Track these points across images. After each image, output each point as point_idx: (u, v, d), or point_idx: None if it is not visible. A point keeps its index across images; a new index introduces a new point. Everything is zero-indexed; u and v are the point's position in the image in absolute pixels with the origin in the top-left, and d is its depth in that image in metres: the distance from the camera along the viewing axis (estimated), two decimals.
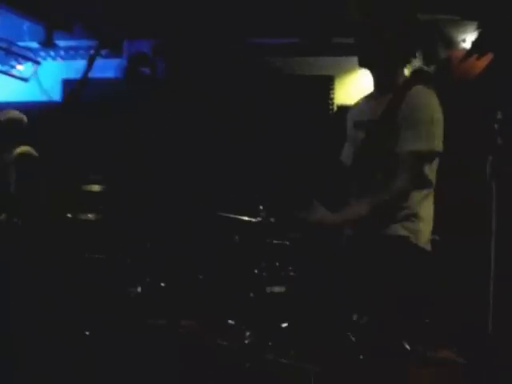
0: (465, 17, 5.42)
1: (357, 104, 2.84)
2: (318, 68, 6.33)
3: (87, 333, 4.37)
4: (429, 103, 2.50)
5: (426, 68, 5.80)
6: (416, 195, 2.52)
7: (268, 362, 2.99)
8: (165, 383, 3.15)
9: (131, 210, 5.30)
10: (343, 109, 6.35)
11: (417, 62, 5.83)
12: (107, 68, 6.15)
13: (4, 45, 6.54)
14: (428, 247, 2.59)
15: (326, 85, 6.33)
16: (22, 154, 4.65)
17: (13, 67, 6.74)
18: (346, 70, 6.24)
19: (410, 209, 2.51)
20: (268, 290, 3.64)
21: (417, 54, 5.64)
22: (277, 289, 3.62)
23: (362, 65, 2.65)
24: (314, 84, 6.32)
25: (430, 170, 2.56)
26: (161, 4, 5.02)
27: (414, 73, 2.92)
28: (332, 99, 6.36)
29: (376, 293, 2.39)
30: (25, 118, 4.82)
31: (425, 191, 2.56)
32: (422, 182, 2.54)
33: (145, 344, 3.51)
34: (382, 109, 2.53)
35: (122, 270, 4.96)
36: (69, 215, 5.41)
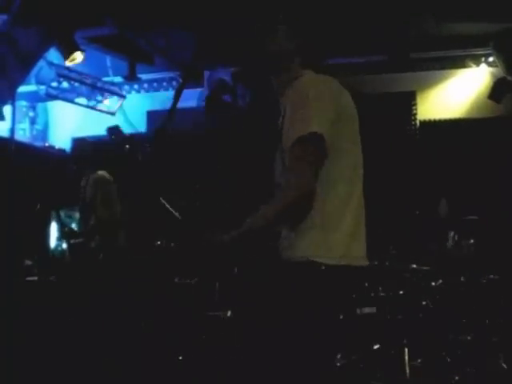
0: None
1: None
2: (399, 84, 6.29)
3: (180, 357, 4.44)
4: (305, 84, 2.15)
5: (509, 78, 5.65)
6: (323, 199, 2.09)
7: None
8: None
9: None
10: (427, 124, 6.29)
11: (500, 72, 5.71)
12: (187, 98, 6.28)
13: (90, 81, 6.79)
14: (344, 261, 2.11)
15: (408, 101, 6.27)
16: (99, 178, 5.06)
17: (99, 102, 6.98)
18: (428, 85, 6.19)
19: (314, 215, 2.09)
20: None
21: (498, 63, 5.57)
22: None
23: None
24: (396, 100, 6.27)
25: (332, 164, 2.10)
26: (238, 31, 5.10)
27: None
28: (415, 115, 6.29)
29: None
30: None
31: (332, 192, 2.11)
32: (322, 179, 2.07)
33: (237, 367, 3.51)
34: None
35: (211, 294, 5.01)
36: (158, 242, 5.53)
